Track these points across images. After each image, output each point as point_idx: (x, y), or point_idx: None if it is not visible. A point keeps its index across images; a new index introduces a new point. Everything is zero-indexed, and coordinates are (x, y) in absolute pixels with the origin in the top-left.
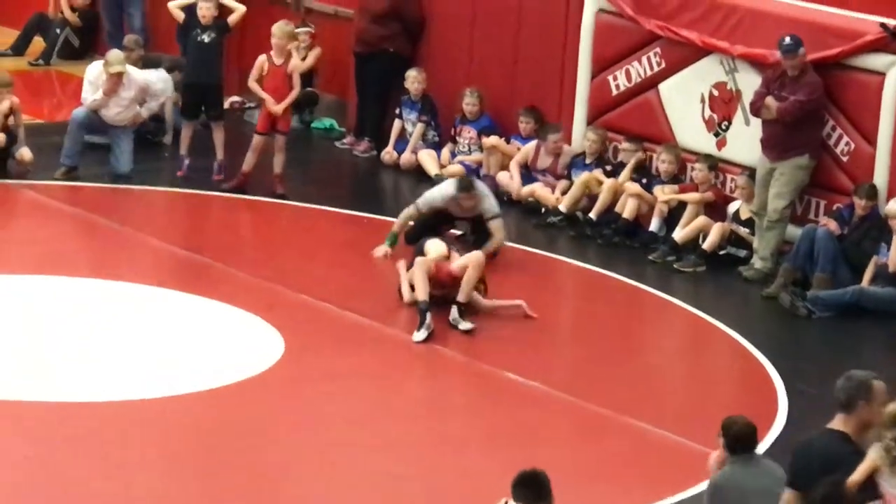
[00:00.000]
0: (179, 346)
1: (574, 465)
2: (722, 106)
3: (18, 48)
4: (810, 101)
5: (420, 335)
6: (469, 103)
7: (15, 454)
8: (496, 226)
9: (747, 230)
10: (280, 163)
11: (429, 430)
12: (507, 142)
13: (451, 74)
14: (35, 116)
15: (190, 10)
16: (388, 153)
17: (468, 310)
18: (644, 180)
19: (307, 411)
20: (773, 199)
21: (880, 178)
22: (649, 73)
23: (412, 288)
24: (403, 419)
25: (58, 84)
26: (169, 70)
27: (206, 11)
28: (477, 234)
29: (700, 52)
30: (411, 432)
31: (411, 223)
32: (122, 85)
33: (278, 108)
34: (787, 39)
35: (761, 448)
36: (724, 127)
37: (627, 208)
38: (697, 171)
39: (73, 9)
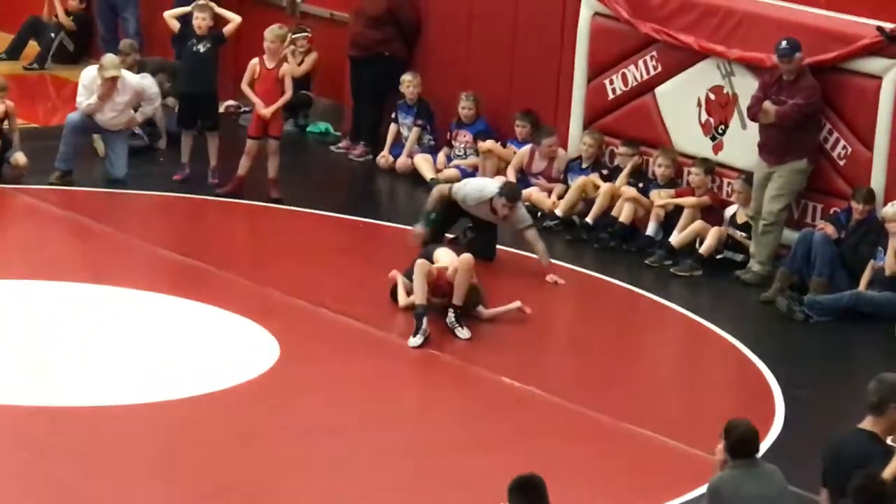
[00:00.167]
0: (174, 350)
1: (570, 469)
2: (718, 110)
3: (13, 52)
4: (809, 105)
5: (416, 341)
6: (465, 107)
7: (7, 459)
8: (533, 236)
9: (744, 234)
10: (274, 167)
11: (424, 435)
12: (504, 146)
13: (446, 78)
14: (30, 121)
15: (185, 19)
16: (384, 157)
17: (469, 320)
18: (641, 184)
19: (302, 416)
20: (768, 202)
21: (877, 181)
22: (646, 76)
23: (408, 294)
24: (399, 424)
25: (52, 88)
26: (153, 73)
27: (201, 22)
28: (477, 235)
29: (697, 56)
30: (407, 437)
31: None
32: (117, 89)
33: (267, 112)
34: (784, 43)
35: None
36: (720, 131)
37: (624, 212)
38: (694, 175)
39: (67, 13)
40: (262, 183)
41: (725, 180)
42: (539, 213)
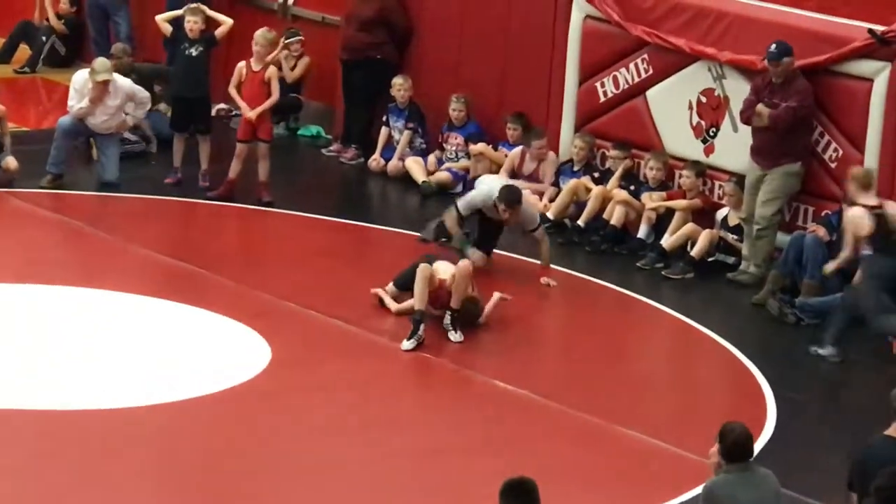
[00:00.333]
0: (165, 354)
1: (562, 472)
2: (710, 112)
3: (4, 56)
4: (802, 108)
5: (409, 344)
6: (455, 109)
7: (1, 462)
8: (541, 236)
9: (735, 237)
10: (264, 170)
11: (416, 439)
12: (495, 149)
13: (438, 81)
14: (21, 124)
15: (177, 23)
16: (376, 160)
17: (464, 324)
18: (632, 187)
19: (293, 420)
20: (761, 206)
21: None
22: (637, 79)
23: (396, 301)
24: (391, 427)
25: (44, 92)
26: (150, 81)
27: (193, 25)
28: (482, 232)
29: (688, 59)
30: (398, 440)
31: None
32: (109, 93)
33: (252, 114)
34: (773, 47)
35: None
36: (711, 133)
37: (615, 215)
38: (685, 178)
39: (59, 16)
40: (253, 186)
41: (717, 183)
42: None
